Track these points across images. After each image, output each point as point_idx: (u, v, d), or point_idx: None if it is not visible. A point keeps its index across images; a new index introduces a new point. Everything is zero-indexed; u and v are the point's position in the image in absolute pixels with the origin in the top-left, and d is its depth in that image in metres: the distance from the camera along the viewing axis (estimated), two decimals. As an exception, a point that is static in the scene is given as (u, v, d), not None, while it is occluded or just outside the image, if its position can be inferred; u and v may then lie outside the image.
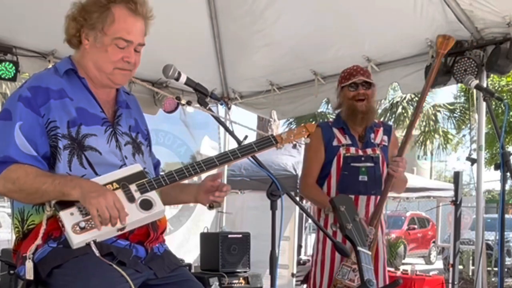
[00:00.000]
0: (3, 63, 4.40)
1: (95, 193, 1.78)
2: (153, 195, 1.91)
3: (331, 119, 4.21)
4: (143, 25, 2.00)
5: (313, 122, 16.44)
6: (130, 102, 2.17)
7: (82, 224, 1.80)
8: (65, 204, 1.81)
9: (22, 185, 1.83)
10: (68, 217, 1.80)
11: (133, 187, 1.89)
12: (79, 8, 1.98)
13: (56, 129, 1.90)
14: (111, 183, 1.87)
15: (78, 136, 1.91)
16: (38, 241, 1.84)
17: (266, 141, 2.06)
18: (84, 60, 2.00)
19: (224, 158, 2.00)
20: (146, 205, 1.89)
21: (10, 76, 4.44)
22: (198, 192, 2.11)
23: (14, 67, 4.44)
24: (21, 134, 1.85)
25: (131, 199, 1.87)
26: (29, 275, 1.82)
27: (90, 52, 1.98)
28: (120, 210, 1.79)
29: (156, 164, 2.29)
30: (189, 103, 2.17)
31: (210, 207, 2.07)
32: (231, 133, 2.24)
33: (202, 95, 2.12)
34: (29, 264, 1.82)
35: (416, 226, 17.49)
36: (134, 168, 1.95)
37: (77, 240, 1.79)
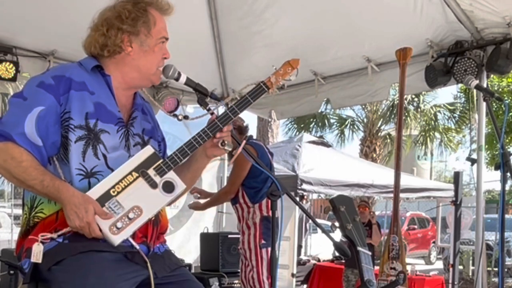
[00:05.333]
0: (3, 63, 4.40)
1: (74, 207, 1.80)
2: (172, 175, 1.95)
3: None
4: None
5: (313, 121, 16.19)
6: (146, 108, 2.19)
7: (119, 224, 1.83)
8: None
9: (11, 168, 1.83)
10: (102, 219, 1.82)
11: (151, 172, 1.92)
12: (119, 17, 2.00)
13: (70, 120, 1.90)
14: (130, 173, 1.90)
15: (95, 128, 1.93)
16: (54, 235, 1.85)
17: (259, 90, 2.11)
18: (124, 67, 2.03)
19: (225, 117, 2.03)
20: (169, 187, 1.93)
21: (10, 76, 4.45)
22: (204, 150, 2.08)
23: (14, 67, 4.44)
24: (35, 121, 1.86)
25: (153, 185, 1.91)
26: (37, 258, 1.82)
27: (136, 58, 2.02)
28: (93, 232, 1.81)
29: None
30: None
31: (222, 144, 2.04)
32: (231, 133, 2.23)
33: (202, 95, 2.12)
34: (38, 247, 1.82)
35: (416, 226, 17.48)
36: (147, 151, 1.96)
37: (117, 240, 1.83)
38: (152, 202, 1.91)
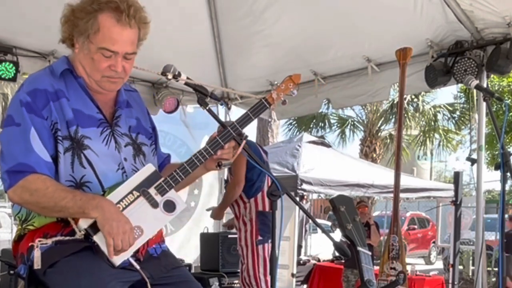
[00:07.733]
0: (3, 63, 4.40)
1: (115, 223, 1.79)
2: (172, 194, 1.94)
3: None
4: (132, 34, 1.92)
5: (313, 121, 16.18)
6: (131, 100, 2.13)
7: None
8: (95, 226, 1.81)
9: (40, 197, 1.81)
10: (103, 240, 1.81)
11: (152, 191, 1.91)
12: (69, 11, 1.94)
13: (58, 131, 1.88)
14: (131, 192, 1.88)
15: (76, 135, 1.90)
16: (49, 241, 1.85)
17: (260, 106, 2.09)
18: (76, 62, 1.98)
19: (227, 135, 2.02)
20: (170, 207, 1.93)
21: (10, 76, 4.44)
22: (203, 163, 2.06)
23: (14, 67, 4.44)
24: (38, 138, 1.84)
25: (154, 204, 1.90)
26: (37, 264, 1.82)
27: (79, 56, 1.95)
28: (131, 243, 1.82)
29: (166, 159, 2.27)
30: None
31: (219, 165, 2.05)
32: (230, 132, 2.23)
33: (202, 95, 2.11)
34: (37, 253, 1.82)
35: (416, 226, 17.48)
36: (148, 169, 1.95)
37: (118, 261, 1.83)
38: (153, 222, 1.91)
